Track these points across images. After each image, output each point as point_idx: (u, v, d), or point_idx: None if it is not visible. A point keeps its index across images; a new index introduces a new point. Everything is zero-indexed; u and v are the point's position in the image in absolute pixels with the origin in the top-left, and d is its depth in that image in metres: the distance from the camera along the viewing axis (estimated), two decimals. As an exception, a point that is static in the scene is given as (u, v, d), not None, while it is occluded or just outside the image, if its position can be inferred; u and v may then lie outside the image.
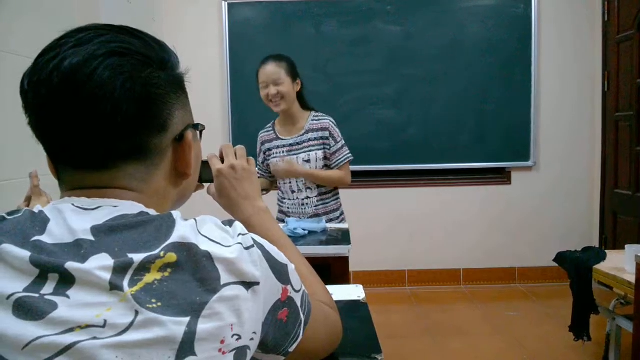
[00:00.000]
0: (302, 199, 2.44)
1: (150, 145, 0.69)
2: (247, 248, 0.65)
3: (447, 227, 4.14)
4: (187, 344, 0.56)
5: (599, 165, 4.04)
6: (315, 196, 2.44)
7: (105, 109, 0.63)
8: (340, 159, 2.41)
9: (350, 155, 2.45)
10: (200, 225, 0.65)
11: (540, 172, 4.10)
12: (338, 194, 2.53)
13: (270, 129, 2.53)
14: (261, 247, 0.68)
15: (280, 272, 0.69)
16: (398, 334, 3.22)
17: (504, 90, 4.00)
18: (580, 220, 4.13)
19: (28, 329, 0.54)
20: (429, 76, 3.98)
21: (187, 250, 0.61)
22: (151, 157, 0.70)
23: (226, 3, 3.96)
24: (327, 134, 2.42)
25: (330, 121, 2.44)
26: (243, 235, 0.66)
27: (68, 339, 0.54)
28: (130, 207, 0.65)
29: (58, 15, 2.28)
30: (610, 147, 3.90)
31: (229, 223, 0.68)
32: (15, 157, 1.94)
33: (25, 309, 0.55)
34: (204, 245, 0.62)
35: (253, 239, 0.67)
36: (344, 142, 2.45)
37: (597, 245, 3.92)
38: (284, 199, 2.52)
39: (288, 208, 2.49)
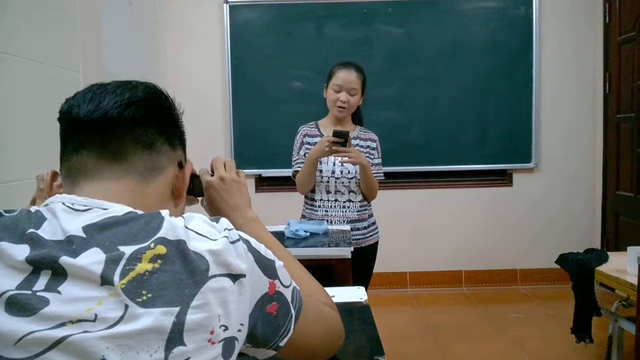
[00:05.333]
0: (344, 202, 2.40)
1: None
2: (232, 242, 0.67)
3: (449, 229, 4.14)
4: (175, 334, 0.58)
5: (600, 167, 4.03)
6: (359, 201, 2.41)
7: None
8: (376, 173, 2.41)
9: (383, 175, 2.47)
10: (188, 220, 0.68)
11: (541, 173, 4.10)
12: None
13: (314, 126, 2.48)
14: (247, 242, 0.70)
15: (266, 266, 0.71)
16: (400, 336, 3.22)
17: (505, 92, 4.00)
18: (581, 222, 4.12)
19: (20, 325, 0.56)
20: (430, 78, 3.98)
21: (175, 244, 0.63)
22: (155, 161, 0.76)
23: (227, 5, 3.97)
24: (374, 144, 2.45)
25: (377, 136, 2.48)
26: (229, 230, 0.69)
27: (59, 333, 0.56)
28: (119, 210, 0.67)
29: (60, 16, 2.28)
30: (611, 149, 3.89)
31: (216, 219, 0.71)
32: (20, 158, 1.94)
33: (17, 306, 0.57)
34: (192, 239, 0.64)
35: (239, 235, 0.70)
36: (381, 161, 2.47)
37: (599, 247, 3.91)
38: (317, 199, 2.42)
39: (326, 211, 2.41)
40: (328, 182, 2.39)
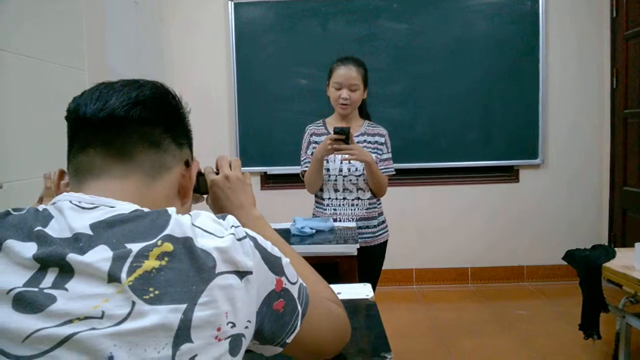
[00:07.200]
0: (352, 200, 2.39)
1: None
2: (239, 239, 0.67)
3: (455, 226, 4.13)
4: (183, 331, 0.59)
5: (607, 163, 4.01)
6: (368, 198, 2.39)
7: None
8: (385, 169, 2.39)
9: (394, 170, 2.44)
10: (194, 218, 0.68)
11: (548, 169, 4.08)
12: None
13: (321, 124, 2.46)
14: (253, 239, 0.70)
15: (273, 263, 0.71)
16: (406, 333, 3.22)
17: (511, 88, 3.98)
18: (588, 218, 4.10)
19: (28, 322, 0.56)
20: (435, 74, 3.97)
21: (182, 241, 0.63)
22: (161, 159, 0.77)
23: (232, 3, 3.96)
24: (383, 139, 2.42)
25: (386, 131, 2.45)
26: (236, 227, 0.69)
27: (67, 330, 0.56)
28: (126, 207, 0.68)
29: (64, 15, 2.29)
30: (618, 145, 3.87)
31: (223, 217, 0.71)
32: (24, 157, 1.95)
33: (24, 303, 0.57)
34: (199, 236, 0.65)
35: (245, 232, 0.70)
36: (391, 156, 2.44)
37: (606, 243, 3.89)
38: (326, 198, 2.41)
39: (334, 209, 2.39)
40: (336, 180, 2.38)
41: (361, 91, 2.35)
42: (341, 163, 2.36)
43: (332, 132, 2.18)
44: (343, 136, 2.14)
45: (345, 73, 2.29)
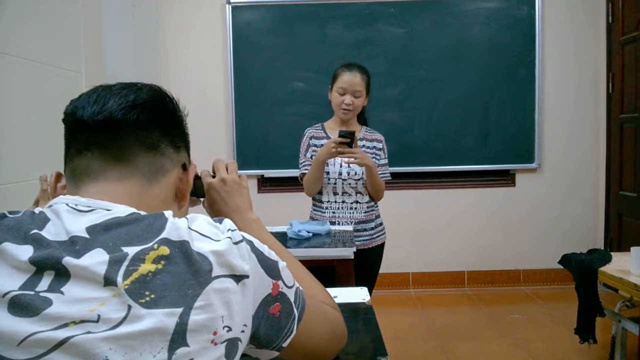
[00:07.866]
0: (351, 203, 2.40)
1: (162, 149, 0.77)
2: (236, 243, 0.67)
3: (451, 230, 4.14)
4: (179, 335, 0.58)
5: (603, 167, 4.02)
6: (366, 202, 2.41)
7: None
8: (382, 174, 2.41)
9: (390, 176, 2.46)
10: (191, 221, 0.68)
11: (544, 174, 4.09)
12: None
13: (320, 128, 2.47)
14: (250, 243, 0.70)
15: (269, 267, 0.71)
16: (402, 336, 3.21)
17: (508, 93, 3.99)
18: (585, 222, 4.11)
19: (23, 326, 0.56)
20: (432, 78, 3.98)
21: (179, 245, 0.63)
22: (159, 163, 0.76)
23: (230, 6, 3.97)
24: (380, 145, 2.45)
25: (383, 137, 2.48)
26: (232, 230, 0.69)
27: (62, 333, 0.56)
28: (122, 210, 0.68)
29: (61, 17, 2.29)
30: (614, 149, 3.89)
31: (219, 220, 0.71)
32: (21, 159, 1.94)
33: (20, 306, 0.57)
34: (195, 240, 0.64)
35: (242, 235, 0.70)
36: (387, 161, 2.47)
37: (602, 248, 3.90)
38: (325, 201, 2.42)
39: (333, 212, 2.41)
40: (335, 183, 2.39)
41: (363, 97, 2.37)
42: (341, 167, 2.37)
43: (334, 136, 2.20)
44: (348, 140, 2.16)
45: (350, 79, 2.31)
